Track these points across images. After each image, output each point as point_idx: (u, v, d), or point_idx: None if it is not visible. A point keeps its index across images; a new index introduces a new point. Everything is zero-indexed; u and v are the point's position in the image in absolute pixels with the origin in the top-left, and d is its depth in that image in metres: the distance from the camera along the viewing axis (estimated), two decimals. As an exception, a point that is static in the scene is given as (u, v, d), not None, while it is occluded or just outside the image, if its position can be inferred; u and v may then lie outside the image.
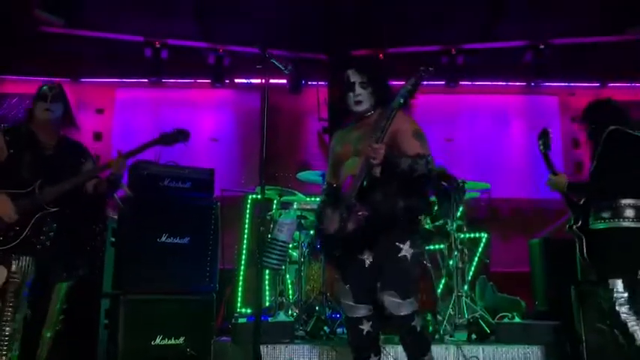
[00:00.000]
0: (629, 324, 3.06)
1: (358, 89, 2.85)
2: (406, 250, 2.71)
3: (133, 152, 3.18)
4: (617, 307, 3.09)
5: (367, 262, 2.80)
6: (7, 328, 2.93)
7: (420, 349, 2.80)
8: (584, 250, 3.30)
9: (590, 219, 3.28)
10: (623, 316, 3.07)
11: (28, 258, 2.99)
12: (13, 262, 2.96)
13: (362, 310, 2.83)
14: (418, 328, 2.74)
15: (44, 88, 3.23)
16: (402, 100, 2.65)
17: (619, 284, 3.10)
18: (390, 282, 2.69)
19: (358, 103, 2.87)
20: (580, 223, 3.34)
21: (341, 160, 2.92)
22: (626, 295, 3.07)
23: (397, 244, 2.72)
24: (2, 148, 3.13)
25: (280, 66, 2.76)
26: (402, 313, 2.68)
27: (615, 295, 3.09)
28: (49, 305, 3.13)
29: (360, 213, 2.67)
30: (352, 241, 2.74)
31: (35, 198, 3.02)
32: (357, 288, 2.83)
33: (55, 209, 3.05)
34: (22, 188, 3.03)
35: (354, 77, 2.87)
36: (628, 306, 3.07)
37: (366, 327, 2.83)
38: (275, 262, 2.54)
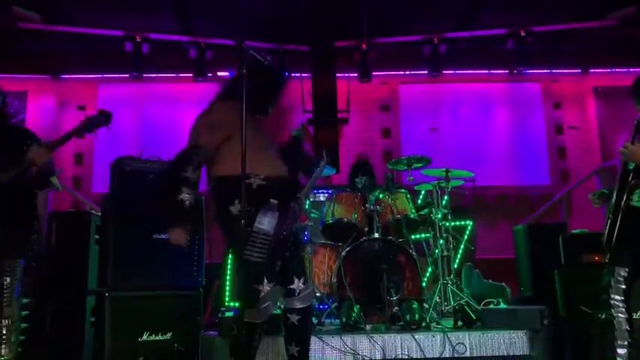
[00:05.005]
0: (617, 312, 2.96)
1: None
2: None
3: (56, 143, 3.04)
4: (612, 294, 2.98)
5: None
6: None
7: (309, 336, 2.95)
8: (617, 227, 3.00)
9: (634, 196, 3.00)
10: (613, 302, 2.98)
11: None
12: None
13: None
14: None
15: None
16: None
17: (622, 273, 2.97)
18: (302, 270, 2.87)
19: None
20: (624, 199, 3.01)
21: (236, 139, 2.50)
22: (623, 287, 2.95)
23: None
24: None
25: (259, 57, 2.73)
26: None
27: (614, 283, 2.97)
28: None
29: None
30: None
31: None
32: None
33: None
34: None
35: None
36: (622, 298, 2.95)
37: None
38: (257, 255, 2.52)
